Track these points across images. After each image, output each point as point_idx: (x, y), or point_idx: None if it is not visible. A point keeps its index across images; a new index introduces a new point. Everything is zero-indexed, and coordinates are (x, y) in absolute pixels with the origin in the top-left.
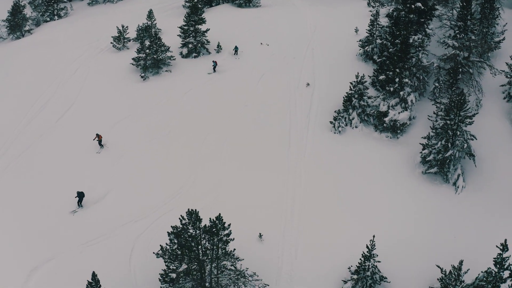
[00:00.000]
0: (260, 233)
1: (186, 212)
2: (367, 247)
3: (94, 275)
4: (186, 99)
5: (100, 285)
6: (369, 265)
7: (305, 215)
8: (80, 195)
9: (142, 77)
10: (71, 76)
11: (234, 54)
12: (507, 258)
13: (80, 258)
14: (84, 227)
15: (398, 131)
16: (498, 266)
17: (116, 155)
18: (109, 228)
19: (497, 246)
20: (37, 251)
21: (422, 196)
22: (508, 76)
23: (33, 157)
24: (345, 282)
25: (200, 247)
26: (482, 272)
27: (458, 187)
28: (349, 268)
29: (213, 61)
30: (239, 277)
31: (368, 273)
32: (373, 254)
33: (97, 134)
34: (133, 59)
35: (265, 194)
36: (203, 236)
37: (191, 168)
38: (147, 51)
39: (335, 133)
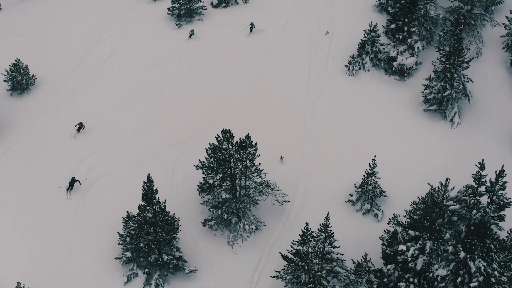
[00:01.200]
0: (281, 156)
1: (221, 131)
2: (370, 165)
3: (149, 176)
4: (217, 44)
5: (154, 184)
6: (371, 181)
7: (320, 143)
8: None
9: (176, 25)
10: (112, 25)
11: (250, 30)
12: (484, 176)
13: (131, 174)
14: (131, 151)
15: (405, 75)
16: (476, 182)
17: (156, 93)
18: (153, 152)
19: (475, 165)
20: (93, 168)
21: (422, 130)
22: (507, 28)
23: (88, 92)
24: (351, 195)
25: (232, 160)
26: (463, 187)
27: (454, 123)
28: (354, 184)
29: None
30: (263, 186)
31: (370, 188)
32: (375, 172)
33: (80, 123)
34: (168, 8)
35: (286, 124)
36: (234, 150)
37: (223, 101)
38: (181, 1)
39: (349, 75)
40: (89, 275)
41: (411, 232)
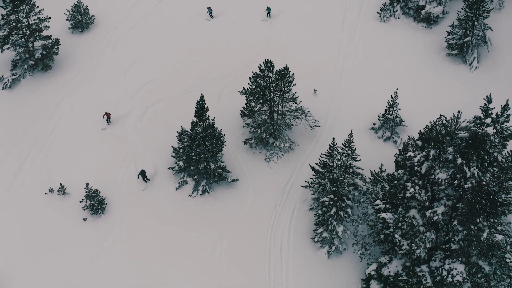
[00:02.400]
0: (314, 89)
1: (263, 62)
2: (392, 97)
3: (201, 96)
4: None
5: (206, 103)
6: (392, 111)
7: (350, 81)
8: None
9: None
10: None
11: (267, 15)
12: (491, 109)
13: (182, 100)
14: (181, 82)
15: (432, 22)
16: (484, 113)
17: (205, 33)
18: (202, 82)
19: (483, 99)
20: (151, 97)
21: (443, 72)
22: None
23: (142, 31)
24: (374, 124)
25: (271, 87)
26: (472, 117)
27: (472, 67)
28: (378, 114)
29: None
30: (298, 111)
31: (391, 117)
32: (396, 103)
33: (106, 113)
34: None
35: (321, 63)
36: (274, 79)
37: (264, 40)
38: None
39: (380, 21)
40: (143, 181)
41: (418, 143)
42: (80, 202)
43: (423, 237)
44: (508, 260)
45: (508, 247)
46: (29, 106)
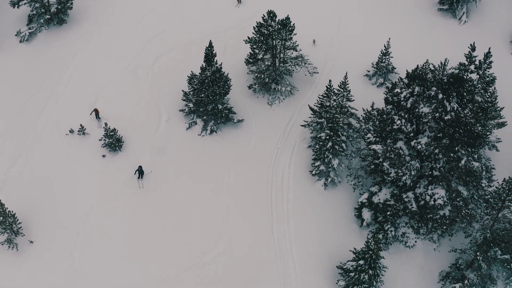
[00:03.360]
0: (314, 40)
1: (267, 12)
2: (384, 46)
3: (210, 42)
4: None
5: (214, 50)
6: (385, 59)
7: (347, 33)
8: None
9: None
10: None
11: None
12: (474, 57)
13: (190, 49)
14: (190, 33)
15: None
16: (467, 60)
17: None
18: (210, 34)
19: (467, 47)
20: (161, 47)
21: (434, 25)
22: None
23: None
24: (369, 71)
25: (274, 35)
26: (457, 64)
27: (461, 21)
28: (372, 62)
29: None
30: (298, 58)
31: (384, 64)
32: (389, 52)
33: (94, 109)
34: None
35: (320, 16)
36: (276, 28)
37: None
38: None
39: None
40: (156, 122)
41: (405, 81)
42: (99, 140)
43: (409, 165)
44: (483, 185)
45: (484, 173)
46: (46, 58)
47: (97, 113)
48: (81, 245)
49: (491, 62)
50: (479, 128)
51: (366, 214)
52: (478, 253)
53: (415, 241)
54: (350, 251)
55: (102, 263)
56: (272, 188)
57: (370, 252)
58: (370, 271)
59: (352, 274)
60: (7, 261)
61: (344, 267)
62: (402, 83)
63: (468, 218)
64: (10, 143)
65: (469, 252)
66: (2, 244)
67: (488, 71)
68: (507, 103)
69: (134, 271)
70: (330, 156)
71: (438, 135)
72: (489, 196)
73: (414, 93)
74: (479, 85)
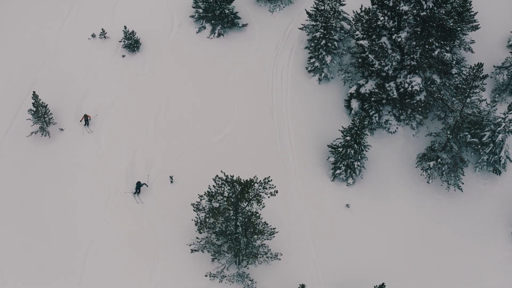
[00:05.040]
0: None
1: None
2: None
3: None
4: None
5: None
6: None
7: None
8: None
9: None
10: None
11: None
12: None
13: None
14: None
15: None
16: None
17: None
18: None
19: None
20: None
21: None
22: None
23: None
24: None
25: None
26: None
27: None
28: None
29: None
30: None
31: None
32: None
33: (84, 115)
34: None
35: None
36: None
37: None
38: None
39: None
40: (169, 28)
41: None
42: (119, 42)
43: (391, 57)
44: (453, 72)
45: (454, 62)
46: None
47: (87, 119)
48: (106, 129)
49: None
50: (451, 24)
51: (354, 104)
52: (450, 135)
53: (397, 128)
54: (339, 130)
55: (126, 143)
56: (273, 82)
57: (355, 128)
58: (356, 146)
59: (340, 149)
60: (41, 147)
61: (334, 144)
62: None
63: (440, 102)
64: (39, 47)
65: (442, 135)
66: (36, 133)
67: None
68: (481, 8)
69: (158, 146)
70: (324, 53)
71: (416, 29)
72: (458, 82)
73: None
74: None
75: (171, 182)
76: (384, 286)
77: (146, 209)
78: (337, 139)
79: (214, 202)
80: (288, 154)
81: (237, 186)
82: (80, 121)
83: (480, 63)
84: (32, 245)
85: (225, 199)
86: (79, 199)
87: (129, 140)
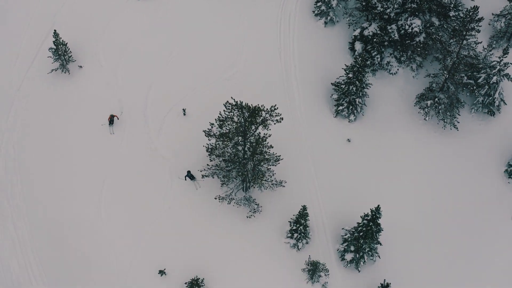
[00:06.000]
0: None
1: None
2: None
3: None
4: None
5: None
6: None
7: None
8: None
9: None
10: None
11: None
12: None
13: None
14: None
15: None
16: None
17: None
18: None
19: None
20: None
21: None
22: None
23: None
24: None
25: None
26: None
27: None
28: None
29: None
30: None
31: None
32: None
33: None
34: None
35: None
36: None
37: None
38: None
39: None
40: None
41: None
42: None
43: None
44: (451, 15)
45: (452, 5)
46: None
47: (112, 119)
48: (122, 66)
49: None
50: None
51: (358, 46)
52: (447, 75)
53: (397, 69)
54: (342, 68)
55: (141, 78)
56: (281, 25)
57: (357, 66)
58: (358, 83)
59: (343, 86)
60: (61, 83)
61: (337, 81)
62: None
63: (438, 43)
64: None
65: (440, 76)
66: (56, 70)
67: None
68: None
69: (171, 81)
70: None
71: None
72: (455, 24)
73: None
74: None
75: (184, 114)
76: (379, 208)
77: (160, 139)
78: (340, 76)
79: (224, 127)
80: (293, 91)
81: (246, 111)
82: (110, 120)
83: (476, 6)
84: (54, 168)
85: (234, 124)
86: (96, 130)
87: (144, 76)
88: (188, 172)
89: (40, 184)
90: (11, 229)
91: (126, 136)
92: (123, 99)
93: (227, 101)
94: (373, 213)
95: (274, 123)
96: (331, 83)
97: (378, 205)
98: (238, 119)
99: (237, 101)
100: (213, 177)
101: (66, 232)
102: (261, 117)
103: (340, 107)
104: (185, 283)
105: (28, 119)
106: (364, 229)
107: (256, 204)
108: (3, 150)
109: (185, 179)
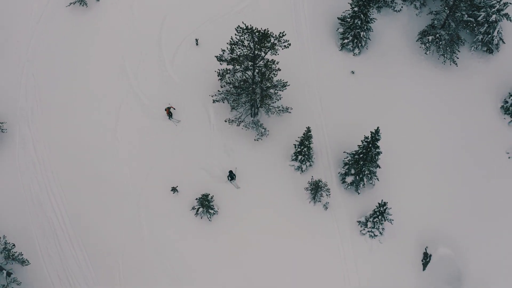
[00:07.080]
0: None
1: None
2: None
3: None
4: None
5: None
6: None
7: None
8: None
9: None
10: None
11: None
12: None
13: None
14: None
15: None
16: None
17: None
18: None
19: None
20: None
21: None
22: None
23: None
24: None
25: None
26: None
27: None
28: None
29: None
30: None
31: None
32: None
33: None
34: None
35: None
36: None
37: None
38: None
39: None
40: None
41: None
42: None
43: None
44: None
45: None
46: None
47: (170, 111)
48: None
49: None
50: None
51: None
52: (448, 12)
53: (402, 6)
54: (348, 3)
55: (156, 10)
56: None
57: (362, 0)
58: (362, 16)
59: (349, 19)
60: (79, 15)
61: (343, 15)
62: None
63: None
64: None
65: (441, 13)
66: (74, 3)
67: None
68: None
69: (185, 13)
70: None
71: None
72: None
73: None
74: None
75: (197, 44)
76: (379, 130)
77: (173, 67)
78: (346, 11)
79: (234, 52)
80: (301, 25)
81: (256, 35)
82: (168, 113)
83: None
84: (72, 95)
85: (244, 48)
86: (113, 60)
87: (158, 8)
88: (230, 172)
89: (58, 110)
90: (31, 151)
91: (141, 64)
92: (139, 29)
93: (238, 26)
94: (373, 135)
95: (282, 49)
96: (337, 17)
97: (378, 127)
98: (248, 43)
99: (247, 26)
100: (223, 102)
101: (83, 155)
102: (270, 43)
103: (345, 40)
104: (196, 199)
105: (47, 50)
106: (364, 151)
107: (264, 128)
108: (24, 79)
109: (228, 179)
